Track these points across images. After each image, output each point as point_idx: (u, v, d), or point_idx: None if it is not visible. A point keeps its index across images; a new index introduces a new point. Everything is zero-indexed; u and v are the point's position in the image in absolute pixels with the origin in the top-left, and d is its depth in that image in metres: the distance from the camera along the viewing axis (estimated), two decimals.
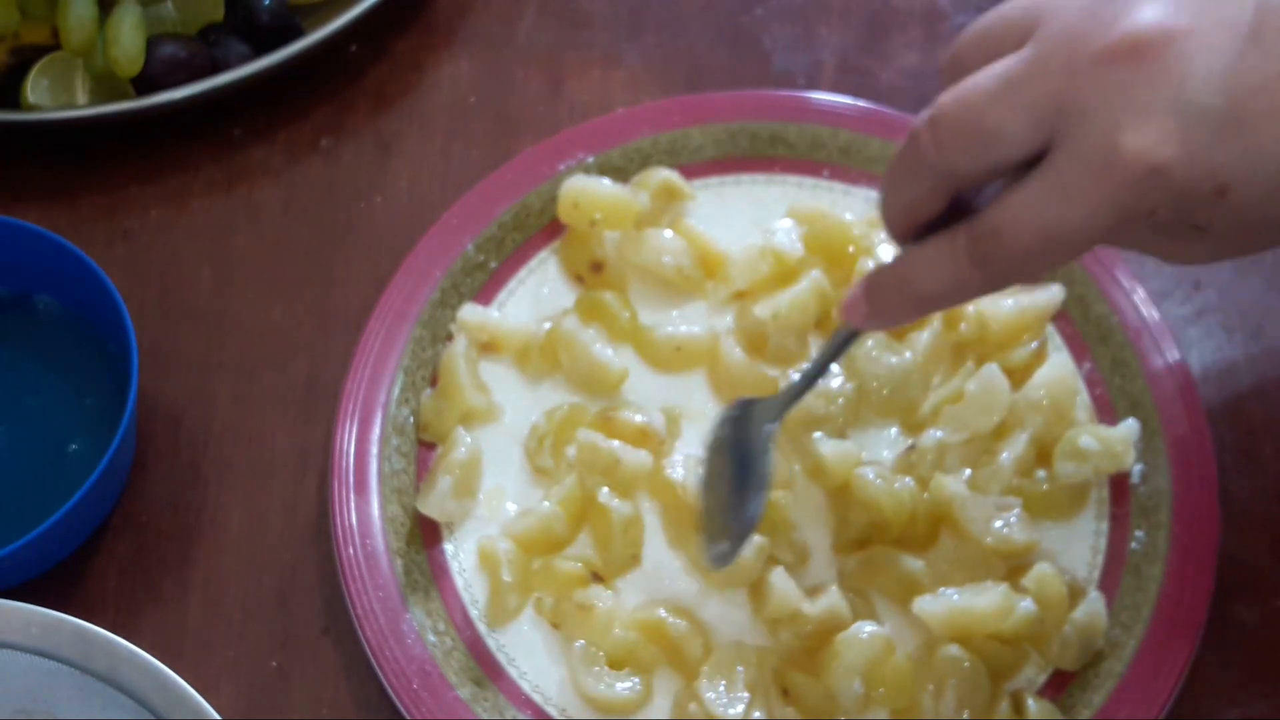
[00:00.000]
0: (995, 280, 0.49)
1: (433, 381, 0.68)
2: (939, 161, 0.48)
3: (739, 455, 0.60)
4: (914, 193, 0.49)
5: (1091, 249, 0.47)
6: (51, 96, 0.75)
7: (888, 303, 0.52)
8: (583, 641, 0.61)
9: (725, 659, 0.60)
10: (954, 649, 0.59)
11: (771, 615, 0.61)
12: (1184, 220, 0.47)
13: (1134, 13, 0.45)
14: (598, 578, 0.63)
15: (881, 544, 0.63)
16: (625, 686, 0.60)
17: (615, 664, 0.61)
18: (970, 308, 0.67)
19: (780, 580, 0.61)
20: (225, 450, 0.68)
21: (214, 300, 0.72)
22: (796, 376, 0.61)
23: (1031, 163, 0.46)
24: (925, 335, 0.67)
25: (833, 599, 0.60)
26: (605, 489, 0.63)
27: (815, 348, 0.68)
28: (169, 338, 0.71)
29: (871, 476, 0.62)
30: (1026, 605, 0.59)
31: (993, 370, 0.64)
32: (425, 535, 0.64)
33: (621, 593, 0.63)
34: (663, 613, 0.61)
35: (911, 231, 0.50)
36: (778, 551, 0.62)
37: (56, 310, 0.69)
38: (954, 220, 0.49)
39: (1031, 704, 0.59)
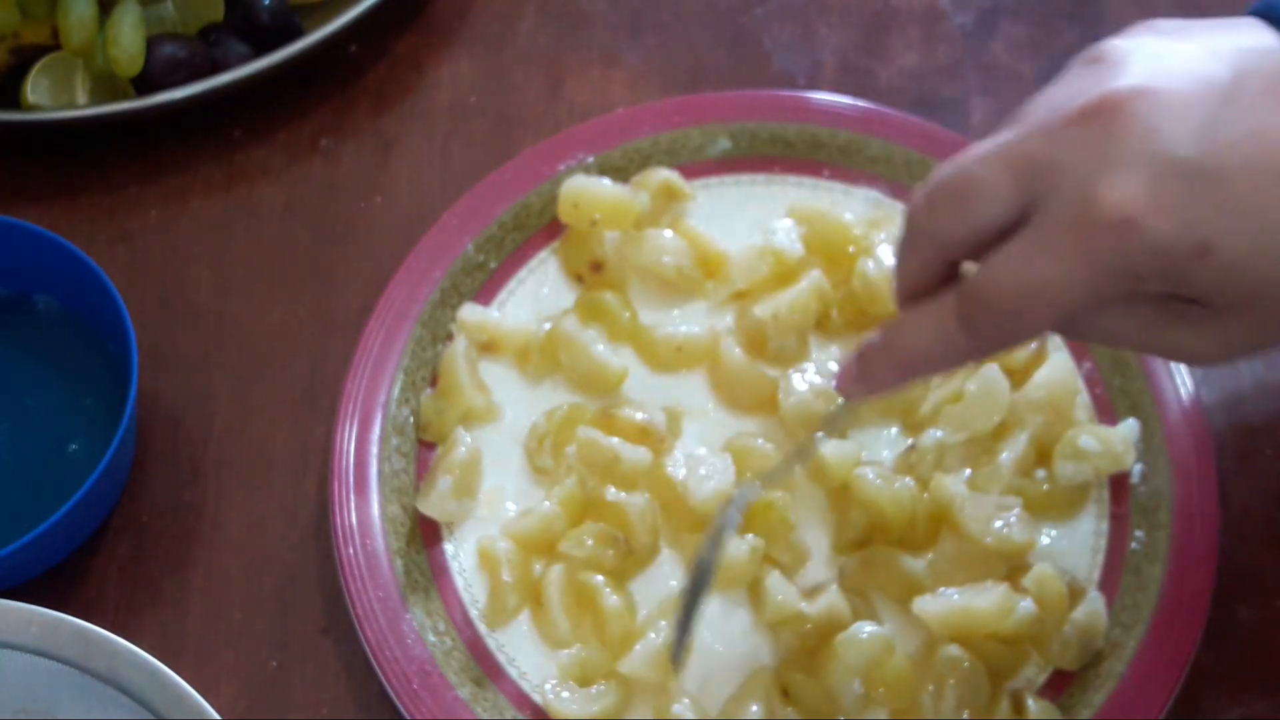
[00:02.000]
0: (981, 341, 0.48)
1: (433, 381, 0.68)
2: (928, 224, 0.48)
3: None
4: (913, 262, 0.50)
5: (1073, 316, 0.46)
6: (51, 96, 0.75)
7: (875, 367, 0.52)
8: (554, 681, 0.60)
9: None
10: (954, 649, 0.59)
11: (770, 619, 0.61)
12: (1176, 290, 0.46)
13: (1109, 80, 0.46)
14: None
15: (881, 544, 0.63)
16: (596, 694, 0.60)
17: (583, 681, 0.61)
18: None
19: (776, 584, 0.61)
20: (225, 450, 0.68)
21: (214, 300, 0.72)
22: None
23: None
24: None
25: (832, 598, 0.60)
26: (612, 488, 0.63)
27: (815, 348, 0.68)
28: (169, 338, 0.71)
29: (871, 477, 0.62)
30: (1026, 605, 0.59)
31: (993, 370, 0.64)
32: (425, 535, 0.64)
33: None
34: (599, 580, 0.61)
35: (913, 303, 0.51)
36: (775, 553, 0.62)
37: (56, 310, 0.69)
38: None
39: (1031, 704, 0.59)
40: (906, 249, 0.50)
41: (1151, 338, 0.48)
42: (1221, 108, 0.44)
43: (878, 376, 0.52)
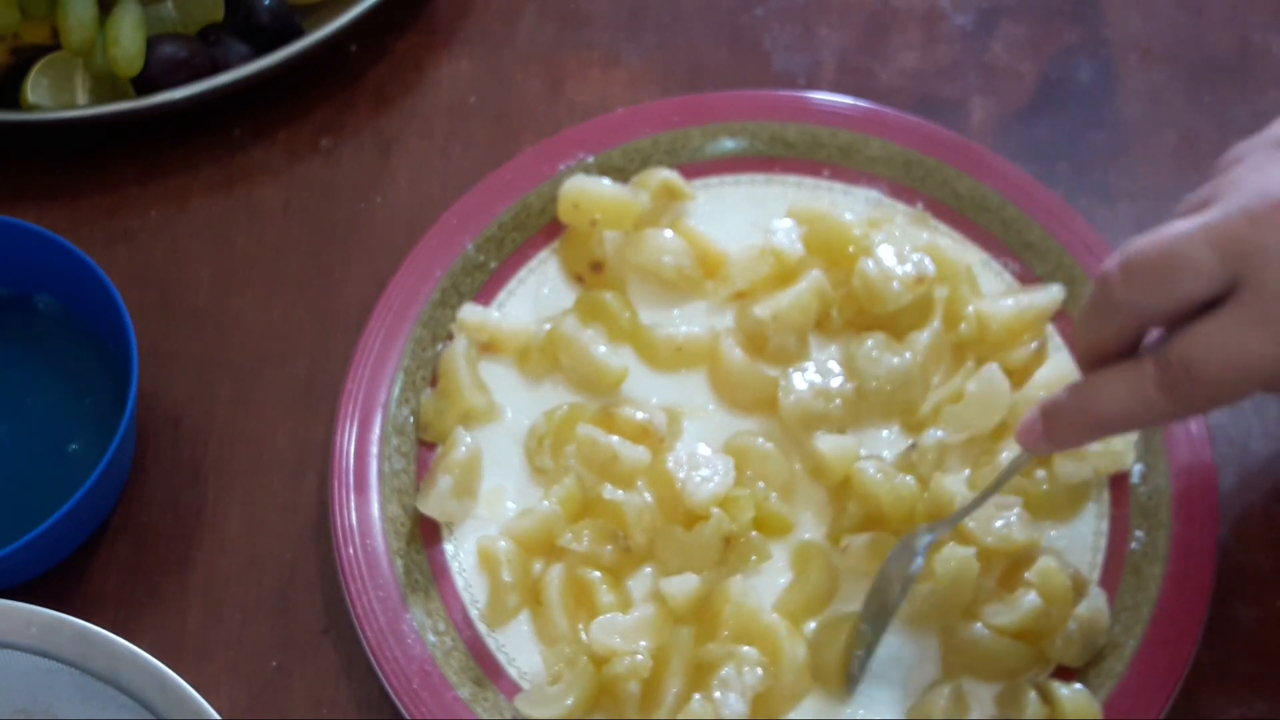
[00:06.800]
0: (1180, 406, 0.51)
1: (433, 381, 0.68)
2: (1126, 297, 0.51)
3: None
4: (1103, 331, 0.53)
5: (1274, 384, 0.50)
6: (51, 96, 0.75)
7: (1065, 425, 0.54)
8: (528, 689, 0.61)
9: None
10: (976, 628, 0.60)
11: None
12: None
13: None
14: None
15: (880, 531, 0.63)
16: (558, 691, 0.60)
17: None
18: (970, 308, 0.67)
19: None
20: (225, 450, 0.68)
21: (214, 300, 0.72)
22: (965, 500, 0.62)
23: (1210, 308, 0.50)
24: (925, 335, 0.67)
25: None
26: (609, 485, 0.63)
27: (815, 348, 0.68)
28: (169, 338, 0.71)
29: (872, 471, 0.62)
30: (1031, 599, 0.59)
31: (993, 370, 0.64)
32: (425, 535, 0.64)
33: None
34: (618, 641, 0.60)
35: (1098, 366, 0.53)
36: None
37: (56, 310, 0.69)
38: None
39: (1064, 691, 0.59)
40: (1098, 317, 0.53)
41: None
42: None
43: (1068, 435, 0.55)
